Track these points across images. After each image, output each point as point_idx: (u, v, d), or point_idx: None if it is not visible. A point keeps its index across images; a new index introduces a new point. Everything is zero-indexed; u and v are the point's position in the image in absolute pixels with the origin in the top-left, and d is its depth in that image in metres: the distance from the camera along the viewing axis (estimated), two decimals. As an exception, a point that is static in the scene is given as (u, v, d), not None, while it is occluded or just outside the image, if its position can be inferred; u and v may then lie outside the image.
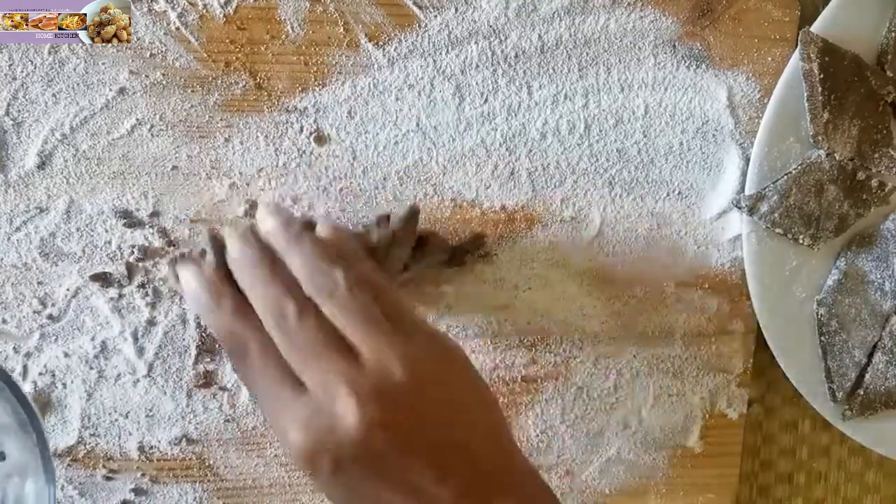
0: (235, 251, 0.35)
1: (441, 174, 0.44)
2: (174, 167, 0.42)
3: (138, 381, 0.43)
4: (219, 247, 0.36)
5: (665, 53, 0.44)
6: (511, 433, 0.36)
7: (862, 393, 0.47)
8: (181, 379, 0.44)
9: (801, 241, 0.45)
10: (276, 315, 0.33)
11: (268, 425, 0.33)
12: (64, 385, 0.43)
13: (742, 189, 0.45)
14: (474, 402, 0.35)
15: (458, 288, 0.45)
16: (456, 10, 0.42)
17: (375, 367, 0.32)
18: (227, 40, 0.41)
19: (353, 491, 0.31)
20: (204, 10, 0.41)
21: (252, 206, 0.42)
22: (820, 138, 0.44)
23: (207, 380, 0.44)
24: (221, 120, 0.42)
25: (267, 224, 0.35)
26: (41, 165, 0.41)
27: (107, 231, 0.42)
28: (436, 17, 0.42)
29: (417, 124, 0.43)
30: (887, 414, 0.48)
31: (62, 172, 0.41)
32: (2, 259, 0.41)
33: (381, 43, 0.42)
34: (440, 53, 0.43)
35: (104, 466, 0.44)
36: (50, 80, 0.40)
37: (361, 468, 0.31)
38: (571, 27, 0.43)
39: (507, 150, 0.44)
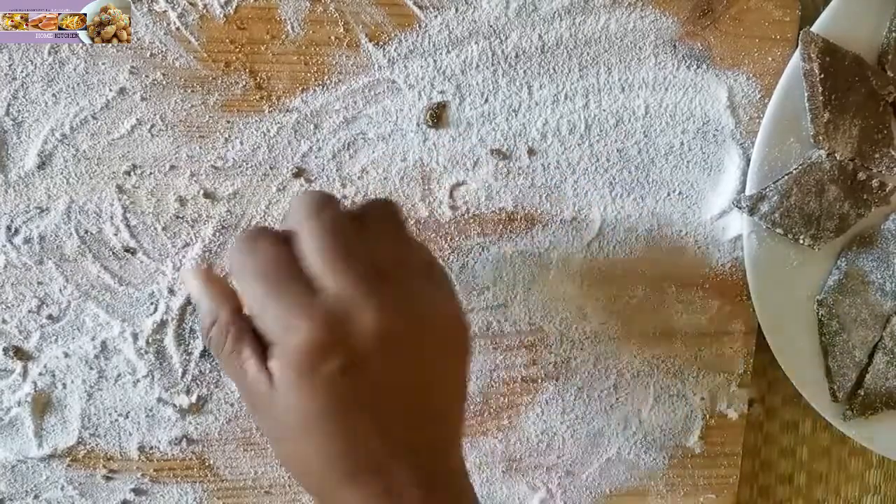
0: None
1: (441, 174, 0.44)
2: (173, 167, 0.42)
3: (138, 381, 0.43)
4: None
5: (665, 53, 0.44)
6: (460, 438, 0.36)
7: (862, 393, 0.47)
8: (181, 378, 0.44)
9: (801, 242, 0.45)
10: (317, 205, 0.33)
11: (266, 323, 0.34)
12: (64, 385, 0.43)
13: (742, 189, 0.45)
14: (443, 387, 0.35)
15: (458, 288, 0.45)
16: (456, 9, 0.42)
17: (402, 287, 0.33)
18: (227, 40, 0.41)
19: (340, 405, 0.32)
20: (204, 10, 0.41)
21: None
22: (820, 138, 0.44)
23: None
24: (221, 120, 0.42)
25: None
26: (41, 165, 0.41)
27: (107, 230, 0.42)
28: (436, 17, 0.42)
29: (417, 124, 0.43)
30: (888, 414, 0.48)
31: (62, 172, 0.41)
32: (2, 259, 0.41)
33: (381, 43, 0.42)
34: (440, 53, 0.43)
35: (104, 466, 0.44)
36: (50, 80, 0.40)
37: (358, 383, 0.31)
38: (572, 27, 0.43)
39: (507, 150, 0.44)
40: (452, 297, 0.36)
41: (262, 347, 0.32)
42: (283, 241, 0.33)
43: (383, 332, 0.31)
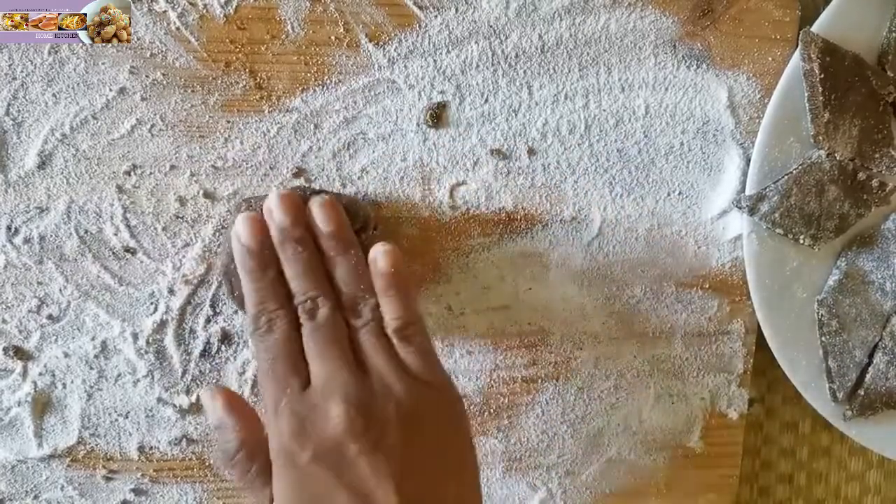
0: (285, 221, 0.37)
1: (441, 174, 0.44)
2: (173, 167, 0.42)
3: (138, 381, 0.43)
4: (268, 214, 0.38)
5: (666, 53, 0.44)
6: (478, 482, 0.38)
7: (862, 393, 0.47)
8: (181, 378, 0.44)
9: (801, 242, 0.45)
10: (309, 305, 0.36)
11: (261, 397, 0.39)
12: (64, 385, 0.43)
13: (742, 189, 0.45)
14: (453, 459, 0.37)
15: (458, 288, 0.45)
16: (456, 10, 0.42)
17: (377, 387, 0.35)
18: (228, 40, 0.41)
19: (317, 487, 0.34)
20: (204, 10, 0.41)
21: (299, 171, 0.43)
22: (820, 138, 0.44)
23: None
24: (221, 120, 0.42)
25: (318, 217, 0.38)
26: (41, 165, 0.41)
27: (107, 230, 0.42)
28: (436, 17, 0.42)
29: (417, 124, 0.43)
30: (888, 414, 0.48)
31: (62, 172, 0.41)
32: (2, 259, 0.41)
33: (381, 43, 0.42)
34: (440, 53, 0.43)
35: (104, 467, 0.44)
36: (50, 80, 0.40)
37: (330, 467, 0.34)
38: (572, 27, 0.43)
39: (507, 150, 0.44)
40: (434, 370, 0.38)
41: None
42: (295, 326, 0.36)
43: (349, 424, 0.34)
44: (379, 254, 0.37)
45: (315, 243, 0.38)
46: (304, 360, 0.36)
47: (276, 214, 0.37)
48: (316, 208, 0.38)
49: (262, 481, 0.36)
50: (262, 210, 0.38)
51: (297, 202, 0.38)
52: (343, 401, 0.34)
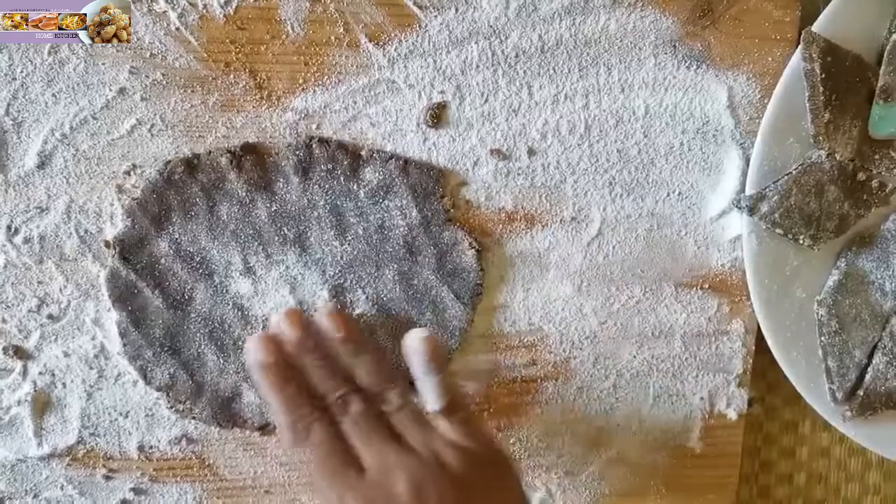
0: (297, 336, 0.39)
1: (442, 175, 0.44)
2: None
3: (138, 380, 0.43)
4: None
5: (665, 54, 0.44)
6: None
7: (862, 394, 0.47)
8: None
9: (801, 242, 0.45)
10: (340, 403, 0.38)
11: (319, 498, 0.42)
12: (64, 385, 0.43)
13: (742, 189, 0.45)
14: None
15: (457, 288, 0.45)
16: (456, 10, 0.42)
17: (429, 462, 0.37)
18: (228, 40, 0.41)
19: None
20: (204, 11, 0.41)
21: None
22: (821, 138, 0.44)
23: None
24: (221, 120, 0.42)
25: (328, 328, 0.40)
26: (41, 165, 0.41)
27: (107, 231, 0.42)
28: (436, 17, 0.42)
29: (417, 124, 0.43)
30: (887, 415, 0.48)
31: (62, 172, 0.41)
32: (2, 259, 0.41)
33: (381, 43, 0.42)
34: (440, 53, 0.42)
35: (104, 466, 0.44)
36: (50, 80, 0.40)
37: None
38: (572, 27, 0.43)
39: (507, 150, 0.44)
40: (479, 437, 0.39)
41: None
42: (331, 423, 0.38)
43: (415, 498, 0.36)
44: (416, 341, 0.39)
45: (327, 345, 0.40)
46: (351, 453, 0.38)
47: (286, 332, 0.39)
48: (324, 320, 0.40)
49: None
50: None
51: (303, 316, 0.40)
52: (404, 478, 0.36)
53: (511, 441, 0.47)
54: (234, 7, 0.41)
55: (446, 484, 0.37)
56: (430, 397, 0.39)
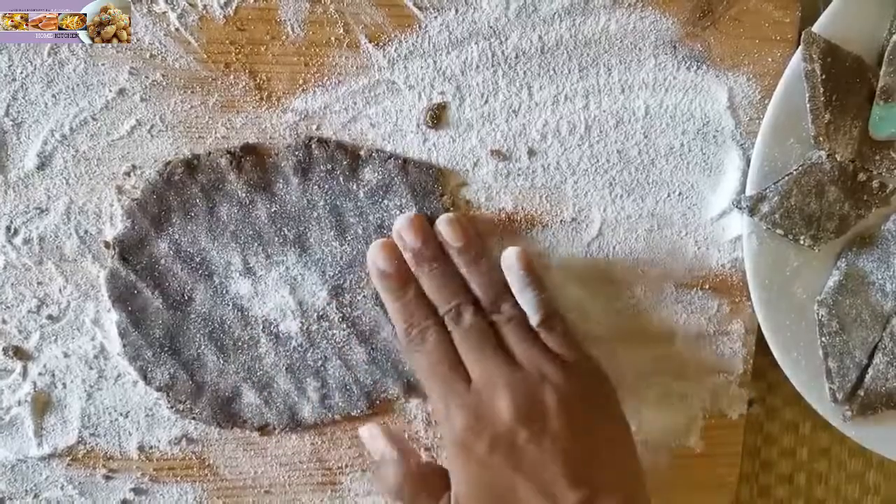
0: (417, 243, 0.41)
1: (441, 175, 0.44)
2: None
3: (138, 380, 0.43)
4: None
5: (665, 54, 0.44)
6: (635, 451, 0.42)
7: (862, 394, 0.47)
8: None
9: (801, 242, 0.45)
10: (453, 313, 0.40)
11: (429, 402, 0.44)
12: (64, 385, 0.43)
13: (743, 190, 0.45)
14: (609, 433, 0.41)
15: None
16: (456, 10, 0.42)
17: (533, 376, 0.39)
18: (227, 41, 0.41)
19: (496, 475, 0.37)
20: (204, 11, 0.41)
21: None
22: (821, 139, 0.44)
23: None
24: (221, 121, 0.42)
25: (448, 235, 0.41)
26: (41, 166, 0.41)
27: (107, 231, 0.42)
28: (436, 17, 0.42)
29: (417, 125, 0.43)
30: (888, 415, 0.48)
31: (62, 173, 0.41)
32: (2, 259, 0.41)
33: (381, 44, 0.42)
34: (440, 54, 0.42)
35: (104, 466, 0.44)
36: (50, 80, 0.40)
37: (506, 456, 0.37)
38: (572, 28, 0.43)
39: (507, 150, 0.44)
40: (580, 352, 0.41)
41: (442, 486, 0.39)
42: (445, 334, 0.40)
43: (516, 413, 0.37)
44: (513, 257, 0.40)
45: (446, 255, 0.41)
46: (461, 362, 0.39)
47: (406, 238, 0.41)
48: (444, 227, 0.41)
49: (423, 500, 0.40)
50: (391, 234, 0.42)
51: (425, 224, 0.41)
52: (507, 393, 0.38)
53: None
54: (233, 8, 0.41)
55: (549, 403, 0.38)
56: (528, 310, 0.41)
